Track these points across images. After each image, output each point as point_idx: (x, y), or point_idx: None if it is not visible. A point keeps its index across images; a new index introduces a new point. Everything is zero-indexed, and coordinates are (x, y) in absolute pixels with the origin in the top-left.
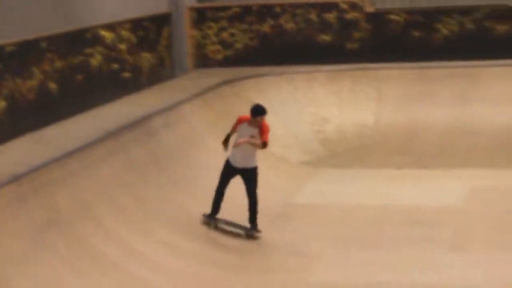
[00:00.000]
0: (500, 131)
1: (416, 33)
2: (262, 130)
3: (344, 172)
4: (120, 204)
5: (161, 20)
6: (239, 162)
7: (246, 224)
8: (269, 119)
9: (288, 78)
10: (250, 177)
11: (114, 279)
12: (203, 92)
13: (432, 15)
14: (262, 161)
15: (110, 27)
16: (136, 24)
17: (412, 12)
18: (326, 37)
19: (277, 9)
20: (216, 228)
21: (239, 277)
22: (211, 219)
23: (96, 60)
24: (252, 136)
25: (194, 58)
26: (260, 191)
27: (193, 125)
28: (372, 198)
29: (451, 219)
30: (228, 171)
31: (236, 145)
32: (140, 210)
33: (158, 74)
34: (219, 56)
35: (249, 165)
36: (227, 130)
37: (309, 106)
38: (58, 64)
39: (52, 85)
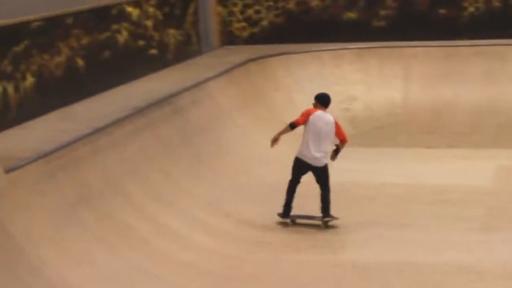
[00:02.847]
0: None
1: (443, 11)
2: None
3: (372, 151)
4: (149, 180)
5: None
6: (313, 161)
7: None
8: (296, 97)
9: (314, 55)
10: (323, 174)
11: (143, 253)
12: (230, 69)
13: None
14: (289, 141)
15: (136, 3)
16: (162, 0)
17: None
18: (352, 15)
19: None
20: (293, 223)
21: (266, 255)
22: (286, 217)
23: (122, 37)
24: (328, 124)
25: (220, 35)
26: (289, 170)
27: (220, 102)
28: (401, 177)
29: (481, 199)
30: (302, 169)
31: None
32: (168, 187)
33: (185, 51)
34: (245, 34)
35: (322, 162)
36: (254, 107)
37: (336, 84)
38: (85, 40)
39: (80, 61)
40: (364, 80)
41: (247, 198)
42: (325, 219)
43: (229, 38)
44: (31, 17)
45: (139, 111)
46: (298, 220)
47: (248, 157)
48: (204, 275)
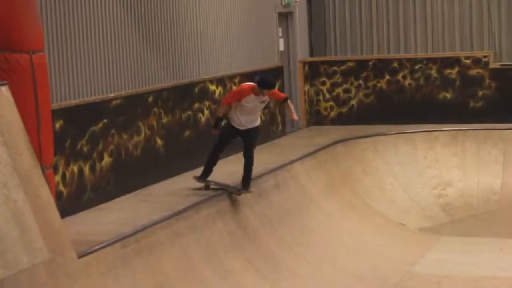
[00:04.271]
0: None
1: None
2: (273, 94)
3: (468, 241)
4: (228, 268)
5: (273, 74)
6: (244, 125)
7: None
8: (386, 181)
9: (406, 137)
10: (251, 135)
11: None
12: (316, 151)
13: None
14: (378, 227)
15: (219, 81)
16: (246, 77)
17: None
18: (447, 94)
19: (395, 64)
20: (207, 188)
21: None
22: (202, 180)
23: (204, 116)
24: (262, 102)
25: (306, 114)
26: (378, 260)
27: (305, 186)
28: (499, 269)
29: None
30: (230, 134)
31: (295, 119)
32: (249, 275)
33: (269, 132)
34: (333, 113)
35: (254, 125)
36: (341, 192)
37: (429, 168)
38: (165, 119)
39: (159, 141)
40: (460, 165)
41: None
42: (239, 191)
43: (316, 118)
44: (111, 95)
45: (220, 194)
46: (212, 186)
47: (333, 245)
48: None
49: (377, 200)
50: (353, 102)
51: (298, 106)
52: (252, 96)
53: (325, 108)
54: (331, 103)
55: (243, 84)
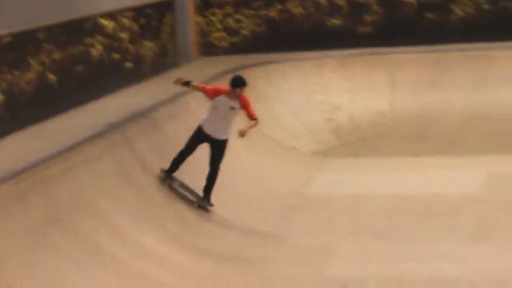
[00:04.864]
0: None
1: (430, 15)
2: (245, 105)
3: (357, 162)
4: (124, 199)
5: (164, 7)
6: (215, 133)
7: (200, 192)
8: (276, 108)
9: (296, 64)
10: (220, 147)
11: (118, 274)
12: (209, 81)
13: None
14: (271, 151)
15: (111, 15)
16: (138, 11)
17: None
18: (336, 21)
19: None
20: (170, 187)
21: (248, 271)
22: (167, 176)
23: (96, 50)
24: (232, 108)
25: (198, 46)
26: (271, 182)
27: (199, 116)
28: (388, 187)
29: (471, 208)
30: (199, 138)
31: (242, 135)
32: (144, 205)
33: (162, 64)
34: (225, 43)
35: (224, 136)
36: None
37: (319, 93)
38: (57, 54)
39: (52, 77)
40: (349, 89)
41: (228, 215)
42: (200, 204)
43: (208, 49)
44: (1, 32)
45: (114, 127)
46: (176, 187)
47: (228, 172)
48: None
49: (269, 126)
50: (245, 32)
51: (191, 38)
52: (224, 96)
53: (217, 39)
54: (223, 33)
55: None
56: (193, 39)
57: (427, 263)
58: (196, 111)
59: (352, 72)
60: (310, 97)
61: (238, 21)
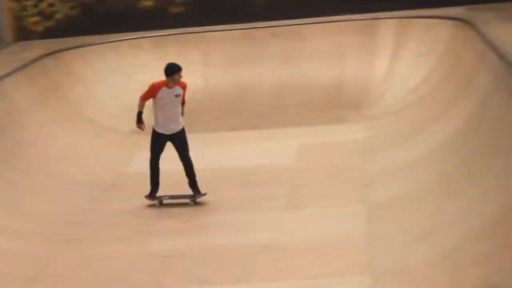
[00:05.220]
0: (328, 88)
1: None
2: (184, 88)
3: None
4: None
5: None
6: (171, 129)
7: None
8: (96, 90)
9: (112, 46)
10: (181, 138)
11: None
12: (24, 66)
13: None
14: (90, 132)
15: None
16: None
17: None
18: (148, 3)
19: None
20: (162, 204)
21: (74, 253)
22: (154, 198)
23: None
24: (177, 95)
25: (13, 30)
26: (91, 162)
27: (16, 100)
28: (206, 161)
29: (285, 178)
30: (160, 142)
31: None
32: None
33: None
34: (40, 28)
35: (179, 126)
36: (53, 103)
37: (136, 73)
38: None
39: None
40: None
41: (48, 196)
42: (195, 199)
43: (24, 34)
44: None
45: None
46: (165, 201)
47: (49, 155)
48: (5, 279)
49: (89, 108)
50: (59, 15)
51: (4, 23)
52: (164, 89)
53: (32, 24)
54: (37, 18)
55: (153, 82)
56: (7, 24)
57: (245, 231)
58: (13, 95)
59: (166, 52)
60: (128, 77)
61: (52, 5)
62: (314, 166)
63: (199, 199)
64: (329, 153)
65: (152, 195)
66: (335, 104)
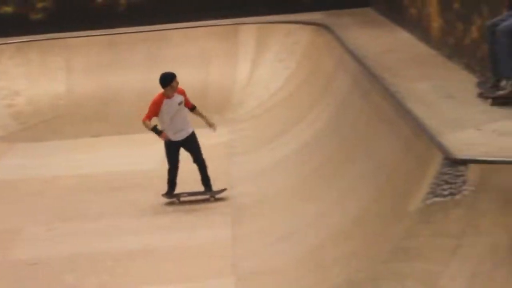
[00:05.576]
0: (193, 92)
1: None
2: (184, 94)
3: (40, 145)
4: None
5: None
6: (183, 135)
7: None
8: None
9: None
10: (193, 142)
11: None
12: None
13: None
14: None
15: None
16: None
17: None
18: (8, 9)
19: None
20: (180, 201)
21: None
22: (171, 195)
23: None
24: (180, 103)
25: None
26: None
27: None
28: (72, 168)
29: (151, 183)
30: (175, 150)
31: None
32: None
33: None
34: None
35: (189, 130)
36: None
37: None
38: None
39: None
40: (26, 74)
41: None
42: (214, 195)
43: None
44: None
45: None
46: (183, 198)
47: None
48: None
49: None
50: None
51: None
52: (166, 101)
53: None
54: None
55: (153, 98)
56: None
57: (113, 237)
58: None
59: (28, 58)
60: None
61: None
62: (180, 170)
63: (218, 195)
64: None
65: (169, 193)
66: (200, 108)
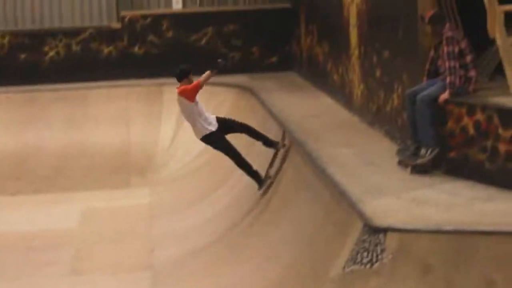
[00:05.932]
0: (114, 152)
1: (23, 56)
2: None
3: None
4: None
5: None
6: (211, 123)
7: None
8: None
9: None
10: (223, 121)
11: None
12: None
13: (38, 37)
14: None
15: None
16: None
17: (17, 34)
18: None
19: None
20: (276, 176)
21: None
22: (264, 181)
23: None
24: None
25: None
26: None
27: None
28: None
29: (68, 242)
30: (223, 135)
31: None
32: None
33: None
34: None
35: (214, 120)
36: None
37: None
38: None
39: None
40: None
41: None
42: (282, 147)
43: None
44: None
45: None
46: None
47: None
48: None
49: None
50: None
51: None
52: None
53: None
54: None
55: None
56: None
57: None
58: None
59: None
60: None
61: None
62: (98, 231)
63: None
64: (114, 218)
65: (259, 182)
66: (122, 169)
